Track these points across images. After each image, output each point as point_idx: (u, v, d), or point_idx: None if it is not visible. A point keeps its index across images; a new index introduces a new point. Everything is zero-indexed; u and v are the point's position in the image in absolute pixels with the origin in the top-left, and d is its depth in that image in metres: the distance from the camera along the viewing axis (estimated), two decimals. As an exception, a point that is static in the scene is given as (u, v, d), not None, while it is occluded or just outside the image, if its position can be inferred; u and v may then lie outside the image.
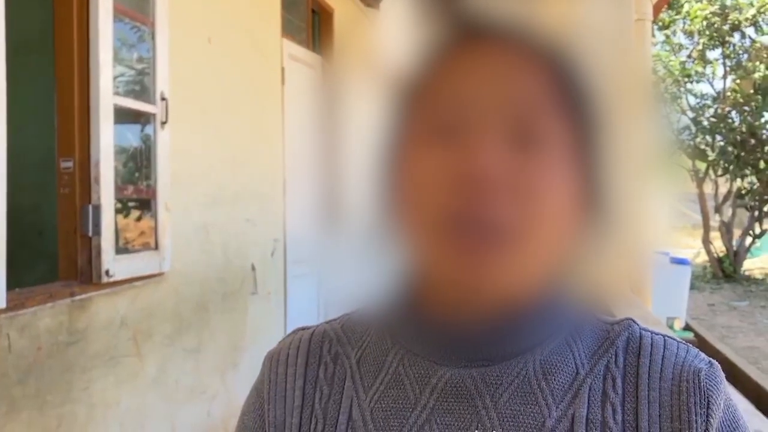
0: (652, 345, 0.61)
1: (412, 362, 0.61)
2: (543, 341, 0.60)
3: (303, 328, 0.70)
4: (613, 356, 0.61)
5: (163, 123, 3.27)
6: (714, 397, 0.59)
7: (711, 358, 0.62)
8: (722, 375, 0.61)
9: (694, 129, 13.03)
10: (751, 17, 13.10)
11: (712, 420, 0.58)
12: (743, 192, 13.07)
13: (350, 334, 0.67)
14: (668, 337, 0.63)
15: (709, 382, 0.59)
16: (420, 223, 0.57)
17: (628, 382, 0.59)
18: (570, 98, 0.58)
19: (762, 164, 12.71)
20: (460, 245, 0.55)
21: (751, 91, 12.76)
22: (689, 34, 14.06)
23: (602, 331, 0.63)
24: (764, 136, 12.62)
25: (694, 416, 0.57)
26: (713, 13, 13.23)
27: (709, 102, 13.68)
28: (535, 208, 0.55)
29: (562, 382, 0.59)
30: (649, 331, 0.63)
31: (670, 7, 13.44)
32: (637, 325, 0.63)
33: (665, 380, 0.59)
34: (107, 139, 2.86)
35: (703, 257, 13.94)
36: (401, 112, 0.61)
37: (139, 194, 3.23)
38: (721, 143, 12.77)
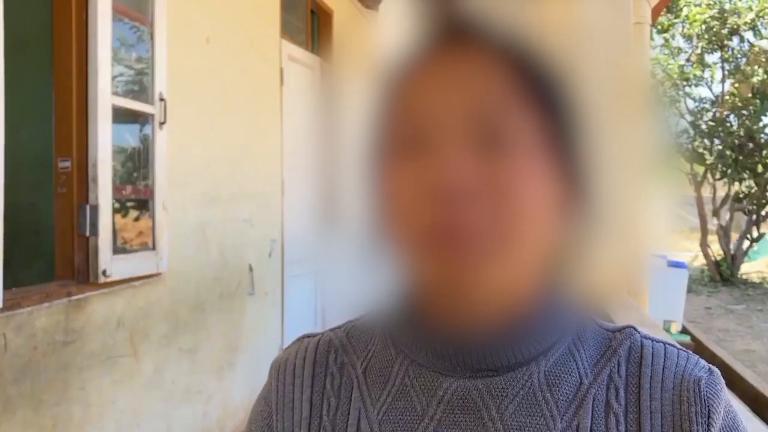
0: (653, 354, 0.62)
1: (418, 373, 0.62)
2: (547, 350, 0.61)
3: (308, 336, 0.70)
4: (616, 366, 0.61)
5: (162, 123, 3.27)
6: (714, 405, 0.59)
7: (711, 365, 0.62)
8: (722, 382, 0.61)
9: (692, 132, 13.05)
10: (749, 21, 13.13)
11: (713, 429, 0.59)
12: (741, 196, 13.09)
13: (355, 342, 0.67)
14: (668, 344, 0.63)
15: (710, 391, 0.60)
16: (402, 236, 0.58)
17: (631, 392, 0.60)
18: (541, 99, 0.57)
19: (760, 168, 12.73)
20: (442, 256, 0.55)
21: (750, 95, 12.79)
22: (688, 38, 14.08)
23: (604, 339, 0.63)
24: (762, 140, 12.64)
25: (695, 426, 0.58)
26: (712, 17, 13.26)
27: (707, 105, 13.70)
28: (510, 210, 0.55)
29: (566, 393, 0.59)
30: (649, 338, 0.63)
31: (669, 10, 13.47)
32: (639, 333, 0.64)
33: (666, 390, 0.59)
34: (105, 139, 2.86)
35: (700, 260, 13.96)
36: (383, 120, 0.61)
37: (137, 194, 3.23)
38: (720, 147, 12.79)
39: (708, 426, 0.58)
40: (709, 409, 0.59)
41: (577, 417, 0.58)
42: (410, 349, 0.63)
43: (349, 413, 0.63)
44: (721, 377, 0.62)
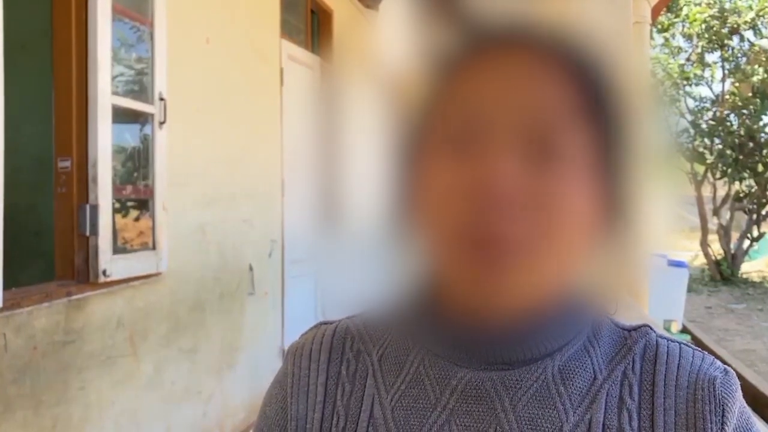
0: (668, 353, 0.62)
1: (433, 363, 0.62)
2: (562, 346, 0.61)
3: (325, 323, 0.71)
4: (631, 363, 0.61)
5: (161, 123, 3.26)
6: (729, 405, 0.59)
7: (726, 366, 0.62)
8: (737, 383, 0.61)
9: (692, 132, 13.05)
10: (749, 20, 13.12)
11: (727, 428, 0.59)
12: (741, 195, 13.10)
13: (372, 331, 0.68)
14: (684, 344, 0.63)
15: (724, 391, 0.60)
16: (435, 234, 0.58)
17: (645, 389, 0.60)
18: (594, 106, 0.57)
19: (760, 167, 12.74)
20: (474, 258, 0.55)
21: (750, 95, 12.79)
22: (688, 37, 14.07)
23: (620, 337, 0.64)
24: (762, 140, 12.64)
25: (709, 424, 0.58)
26: (712, 17, 13.25)
27: (707, 105, 13.69)
28: (551, 223, 0.55)
29: (579, 387, 0.60)
30: (665, 338, 0.64)
31: (669, 10, 13.46)
32: (654, 332, 0.64)
33: (681, 388, 0.60)
34: (105, 139, 2.85)
35: (700, 260, 13.96)
36: (413, 119, 0.61)
37: (137, 194, 3.23)
38: (720, 146, 12.79)
39: (722, 425, 0.58)
40: (723, 408, 0.59)
41: (590, 411, 0.59)
42: (427, 339, 0.63)
43: (362, 399, 0.63)
44: (736, 378, 0.61)
